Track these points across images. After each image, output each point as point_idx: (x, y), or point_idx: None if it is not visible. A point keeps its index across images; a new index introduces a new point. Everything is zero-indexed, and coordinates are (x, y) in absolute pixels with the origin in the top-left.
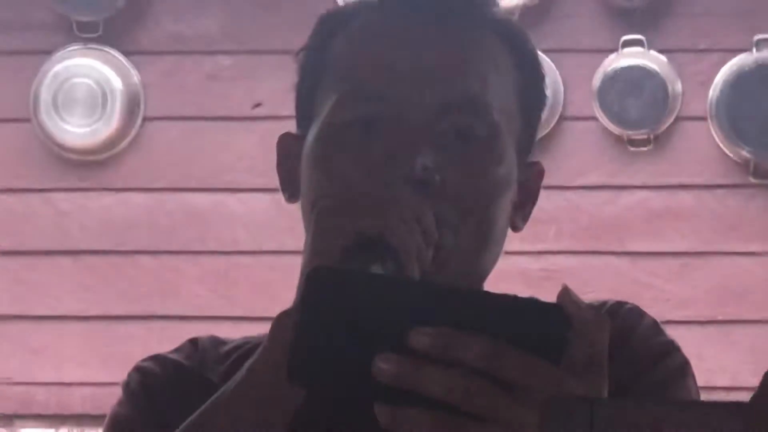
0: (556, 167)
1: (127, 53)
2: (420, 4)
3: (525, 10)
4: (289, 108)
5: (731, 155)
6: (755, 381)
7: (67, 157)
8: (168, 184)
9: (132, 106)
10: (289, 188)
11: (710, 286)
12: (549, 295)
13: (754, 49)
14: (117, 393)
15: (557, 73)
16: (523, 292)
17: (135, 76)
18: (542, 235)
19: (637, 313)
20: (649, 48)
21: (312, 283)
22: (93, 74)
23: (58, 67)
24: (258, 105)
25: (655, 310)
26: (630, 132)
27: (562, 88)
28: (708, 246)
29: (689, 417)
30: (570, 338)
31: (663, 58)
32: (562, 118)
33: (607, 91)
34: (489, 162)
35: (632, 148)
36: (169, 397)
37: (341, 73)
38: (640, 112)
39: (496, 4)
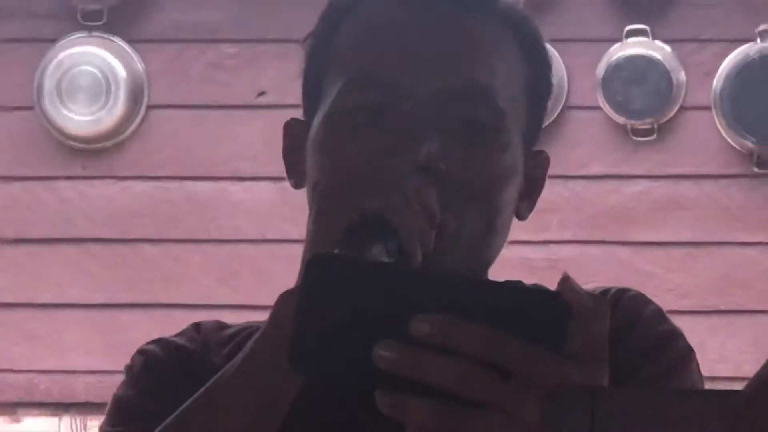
0: (560, 157)
1: (131, 41)
2: None
3: None
4: (293, 96)
5: (735, 145)
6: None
7: (70, 145)
8: (172, 172)
9: (136, 94)
10: (295, 174)
11: (713, 276)
12: (551, 285)
13: (758, 39)
14: (120, 381)
15: (561, 62)
16: (526, 282)
17: (139, 65)
18: (545, 225)
19: (641, 300)
20: (654, 38)
21: (312, 270)
22: (97, 62)
23: (62, 55)
24: (262, 93)
25: (657, 300)
26: (634, 122)
27: (566, 78)
28: (711, 236)
29: (691, 405)
30: (570, 326)
31: (667, 47)
32: (566, 107)
33: (611, 80)
34: (494, 150)
35: (636, 138)
36: (172, 380)
37: (347, 59)
38: (644, 102)
39: None
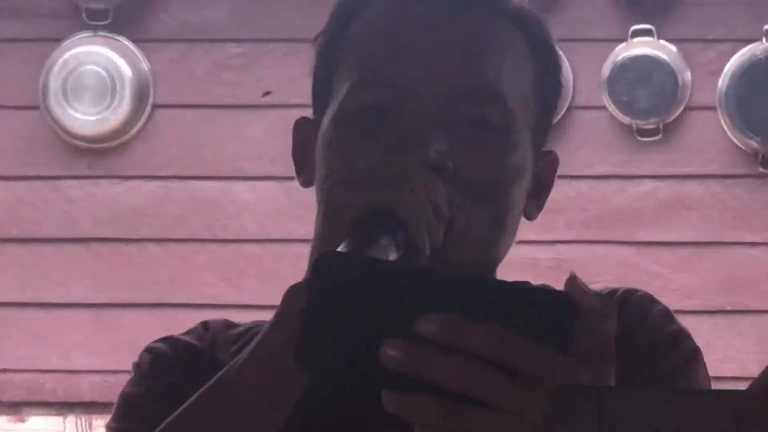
0: (565, 157)
1: (136, 41)
2: None
3: None
4: (298, 96)
5: (740, 145)
6: None
7: (76, 144)
8: (177, 172)
9: (141, 94)
10: (304, 173)
11: (718, 276)
12: (558, 284)
13: (764, 39)
14: (125, 380)
15: (567, 62)
16: (533, 282)
17: (144, 64)
18: (552, 225)
19: (648, 300)
20: (659, 37)
21: (319, 269)
22: (102, 62)
23: (67, 55)
24: (267, 93)
25: (663, 300)
26: (639, 121)
27: (571, 78)
28: (716, 236)
29: (698, 405)
30: (577, 326)
31: (672, 47)
32: (572, 107)
33: (617, 80)
34: (503, 150)
35: (641, 138)
36: (180, 378)
37: (357, 58)
38: (650, 102)
39: None
